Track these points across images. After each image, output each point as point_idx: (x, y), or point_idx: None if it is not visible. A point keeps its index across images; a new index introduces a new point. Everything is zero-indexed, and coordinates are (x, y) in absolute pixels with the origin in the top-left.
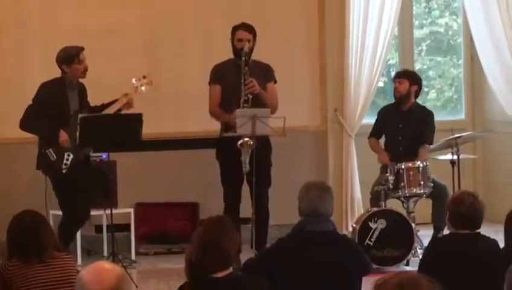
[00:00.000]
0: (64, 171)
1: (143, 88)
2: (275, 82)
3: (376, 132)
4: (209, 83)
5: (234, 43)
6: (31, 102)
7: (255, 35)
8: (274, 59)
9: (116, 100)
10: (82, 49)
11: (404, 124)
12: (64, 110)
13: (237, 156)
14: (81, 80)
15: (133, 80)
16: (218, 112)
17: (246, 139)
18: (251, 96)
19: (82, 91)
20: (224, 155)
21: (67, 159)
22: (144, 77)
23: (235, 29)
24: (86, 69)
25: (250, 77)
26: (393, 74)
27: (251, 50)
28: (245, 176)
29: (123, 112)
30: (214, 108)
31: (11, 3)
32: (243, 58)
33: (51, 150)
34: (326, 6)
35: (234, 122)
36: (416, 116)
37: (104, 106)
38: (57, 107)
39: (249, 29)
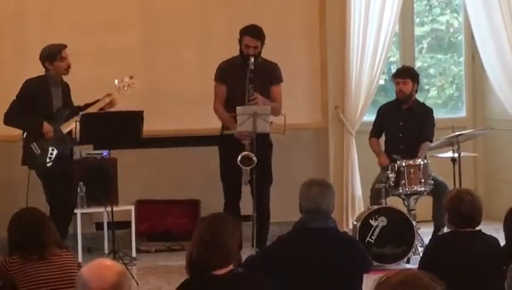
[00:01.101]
0: (48, 165)
1: (126, 89)
2: (281, 81)
3: (376, 131)
4: (215, 80)
5: (242, 46)
6: (15, 98)
7: (263, 40)
8: (275, 56)
9: (98, 100)
10: (64, 46)
11: (404, 122)
12: (47, 106)
13: (238, 153)
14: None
15: (115, 81)
16: (221, 111)
17: (246, 153)
18: None
19: (66, 90)
20: (224, 152)
21: (51, 154)
22: (129, 78)
23: (243, 33)
24: (68, 66)
25: (255, 84)
26: (394, 71)
27: (259, 53)
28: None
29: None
30: (218, 107)
31: (9, 1)
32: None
33: (35, 144)
34: (327, 2)
35: (234, 127)
36: (416, 114)
37: (87, 106)
38: (40, 103)
39: (257, 35)
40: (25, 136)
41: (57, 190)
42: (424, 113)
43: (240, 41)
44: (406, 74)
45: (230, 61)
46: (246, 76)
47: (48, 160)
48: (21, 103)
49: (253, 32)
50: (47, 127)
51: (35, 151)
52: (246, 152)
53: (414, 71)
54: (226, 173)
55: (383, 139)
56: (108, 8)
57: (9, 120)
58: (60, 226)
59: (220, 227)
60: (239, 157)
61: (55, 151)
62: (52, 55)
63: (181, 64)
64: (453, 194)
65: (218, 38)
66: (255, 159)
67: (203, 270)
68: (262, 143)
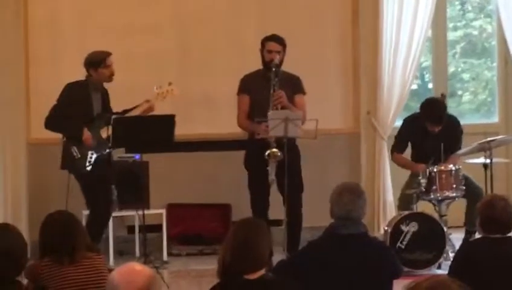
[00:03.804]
0: (87, 168)
1: (164, 96)
2: (304, 94)
3: (401, 146)
4: (238, 94)
5: (264, 54)
6: (55, 102)
7: (284, 47)
8: (307, 61)
9: (137, 106)
10: (109, 54)
11: (434, 135)
12: (88, 111)
13: (264, 163)
14: (109, 84)
15: (155, 88)
16: (246, 122)
17: (274, 150)
18: (280, 107)
19: (105, 96)
20: (252, 163)
21: (90, 158)
22: (168, 84)
23: (265, 40)
24: (112, 74)
25: (279, 89)
26: (427, 76)
27: (281, 62)
28: (276, 182)
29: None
30: (242, 118)
31: (44, 6)
32: (273, 69)
33: (75, 148)
34: (360, 7)
35: (262, 132)
36: (445, 126)
37: (126, 112)
38: (80, 107)
39: (279, 41)
40: (64, 139)
41: (95, 194)
42: (453, 125)
43: (262, 50)
44: (441, 122)
45: (253, 74)
46: (270, 86)
47: (87, 164)
48: (61, 108)
49: (275, 38)
50: (86, 134)
51: (75, 155)
52: (273, 149)
53: (444, 109)
54: (254, 184)
55: (407, 152)
56: (142, 12)
57: (50, 124)
58: (97, 230)
59: (252, 231)
60: (266, 153)
61: (94, 155)
62: (97, 62)
63: (213, 68)
64: (486, 199)
65: (250, 43)
66: (280, 154)
67: (235, 275)
68: (291, 151)
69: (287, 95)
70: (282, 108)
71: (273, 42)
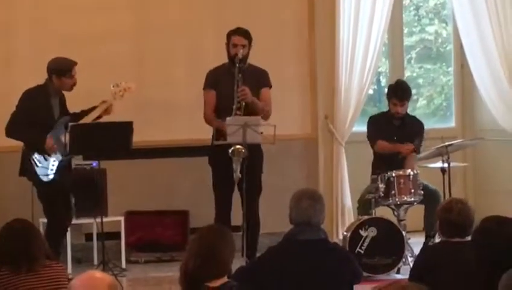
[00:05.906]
0: (50, 177)
1: (121, 94)
2: (270, 87)
3: (376, 135)
4: (204, 88)
5: (229, 48)
6: (15, 109)
7: (250, 41)
8: (264, 67)
9: (95, 107)
10: (75, 63)
11: (399, 137)
12: (49, 117)
13: (229, 163)
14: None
15: (111, 86)
16: (212, 117)
17: (238, 146)
18: (244, 104)
19: (62, 100)
20: (216, 162)
21: (53, 165)
22: (125, 82)
23: (231, 34)
24: (74, 84)
25: (243, 85)
26: (383, 81)
27: (246, 55)
28: (236, 184)
29: (102, 118)
30: (209, 113)
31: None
32: (237, 65)
33: (36, 155)
34: (316, 13)
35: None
36: (409, 127)
37: (84, 112)
38: (41, 114)
39: (245, 34)
40: (25, 147)
41: (56, 202)
42: (417, 127)
43: (228, 44)
44: (405, 97)
45: (219, 68)
46: (235, 80)
47: (49, 172)
48: (22, 115)
49: (240, 31)
50: (50, 142)
51: (37, 163)
52: (237, 146)
53: (410, 90)
54: (218, 183)
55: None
56: (99, 19)
57: (12, 133)
58: (56, 239)
59: (215, 238)
60: (230, 150)
61: (57, 163)
62: (63, 70)
63: (171, 75)
64: (445, 203)
65: (209, 49)
66: (245, 151)
67: (198, 282)
68: (254, 153)
69: (253, 89)
70: (246, 104)
71: (238, 36)
